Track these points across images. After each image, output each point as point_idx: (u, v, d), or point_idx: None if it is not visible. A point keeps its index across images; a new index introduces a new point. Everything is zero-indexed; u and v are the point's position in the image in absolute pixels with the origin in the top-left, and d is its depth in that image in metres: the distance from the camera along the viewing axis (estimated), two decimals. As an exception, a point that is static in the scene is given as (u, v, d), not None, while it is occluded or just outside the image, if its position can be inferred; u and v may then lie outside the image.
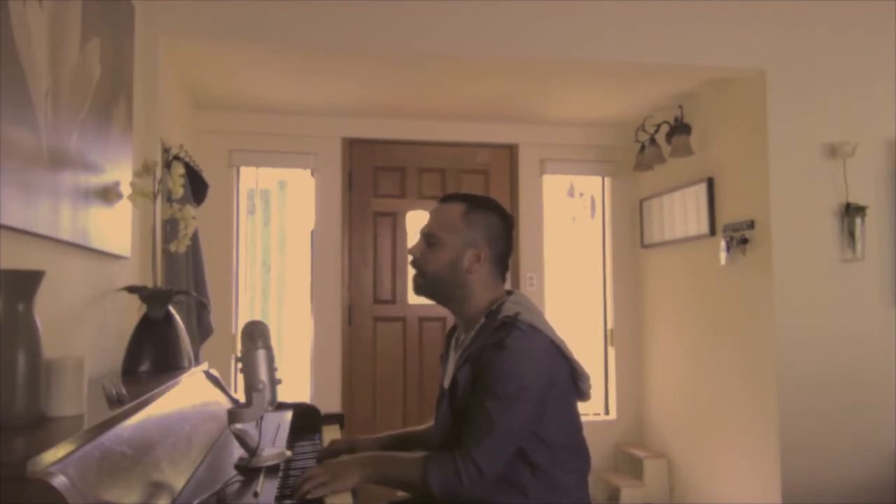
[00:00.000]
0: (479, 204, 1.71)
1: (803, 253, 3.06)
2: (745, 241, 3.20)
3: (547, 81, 3.49)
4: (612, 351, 4.31)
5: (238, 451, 1.52)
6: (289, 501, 1.39)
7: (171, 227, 2.40)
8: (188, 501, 1.24)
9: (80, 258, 1.86)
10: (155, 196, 2.17)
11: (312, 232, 4.04)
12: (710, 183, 3.49)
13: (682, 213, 3.72)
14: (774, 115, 3.08)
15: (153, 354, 1.98)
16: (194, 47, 2.87)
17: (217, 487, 1.31)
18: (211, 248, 3.34)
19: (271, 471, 1.47)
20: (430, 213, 1.73)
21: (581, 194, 4.56)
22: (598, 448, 3.88)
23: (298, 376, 4.06)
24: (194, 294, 2.70)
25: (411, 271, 1.72)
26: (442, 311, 1.78)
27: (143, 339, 2.00)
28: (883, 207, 3.13)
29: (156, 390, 1.53)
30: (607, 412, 4.31)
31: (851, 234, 3.06)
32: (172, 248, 2.31)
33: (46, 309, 1.28)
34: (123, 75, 2.23)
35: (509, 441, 1.51)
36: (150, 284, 2.17)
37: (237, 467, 1.45)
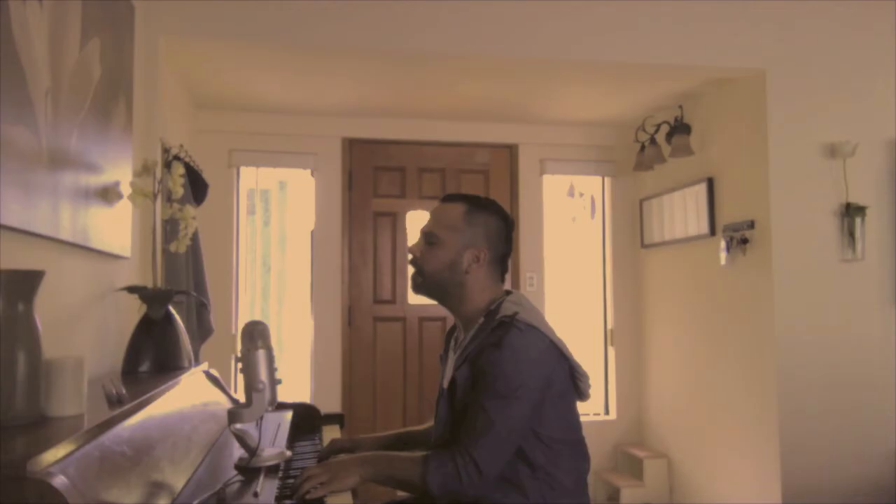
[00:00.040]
0: (479, 204, 1.72)
1: (803, 253, 3.06)
2: (745, 241, 3.20)
3: (547, 81, 3.49)
4: (612, 351, 4.31)
5: (238, 451, 1.52)
6: (289, 501, 1.39)
7: (171, 227, 2.40)
8: (188, 501, 1.24)
9: (80, 258, 1.86)
10: (155, 196, 2.17)
11: (312, 232, 4.04)
12: (710, 183, 3.49)
13: (682, 213, 3.72)
14: (774, 115, 3.08)
15: (153, 354, 1.98)
16: (194, 47, 2.87)
17: (217, 487, 1.31)
18: (211, 248, 3.35)
19: (271, 471, 1.47)
20: (431, 213, 1.74)
21: (581, 194, 4.56)
22: (598, 448, 3.90)
23: (298, 376, 4.06)
24: (194, 294, 2.70)
25: (411, 270, 1.73)
26: (442, 311, 1.79)
27: (143, 339, 2.00)
28: (883, 207, 3.13)
29: (156, 390, 1.53)
30: (607, 412, 4.31)
31: (851, 234, 3.06)
32: (172, 248, 2.31)
33: (46, 309, 1.28)
34: (123, 75, 2.23)
35: (508, 440, 1.51)
36: (150, 284, 2.17)
37: (237, 467, 1.45)
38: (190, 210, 2.27)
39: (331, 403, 3.79)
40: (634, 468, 4.03)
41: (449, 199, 1.75)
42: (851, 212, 3.06)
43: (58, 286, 1.67)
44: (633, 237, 4.30)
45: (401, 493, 1.71)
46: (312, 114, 3.95)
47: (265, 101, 3.73)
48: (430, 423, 1.83)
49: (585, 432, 1.68)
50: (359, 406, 3.96)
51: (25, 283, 1.15)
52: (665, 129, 3.77)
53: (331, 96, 3.69)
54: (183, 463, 1.39)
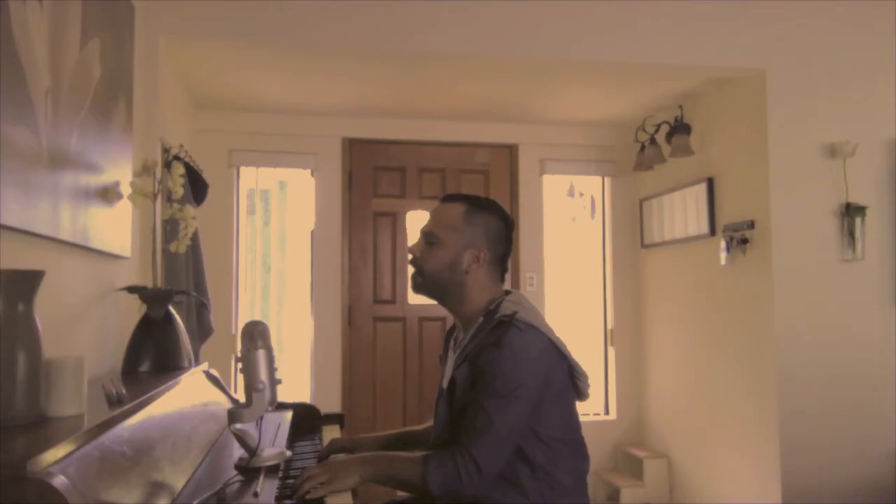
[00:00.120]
0: (479, 204, 1.72)
1: (803, 253, 3.06)
2: (745, 241, 3.20)
3: (547, 81, 3.49)
4: (612, 351, 4.31)
5: (238, 451, 1.52)
6: (289, 501, 1.39)
7: (171, 227, 2.40)
8: (188, 501, 1.24)
9: (80, 258, 1.86)
10: (155, 196, 2.17)
11: (312, 232, 4.04)
12: (710, 183, 3.49)
13: (682, 213, 3.72)
14: (774, 115, 3.08)
15: (153, 354, 1.98)
16: (194, 47, 2.87)
17: (217, 487, 1.31)
18: (211, 248, 3.35)
19: (271, 471, 1.47)
20: (431, 213, 1.74)
21: (581, 194, 4.56)
22: (598, 448, 3.90)
23: (298, 376, 4.06)
24: (194, 294, 2.70)
25: (411, 270, 1.73)
26: (442, 311, 1.79)
27: (143, 339, 2.00)
28: (883, 207, 3.13)
29: (156, 390, 1.53)
30: (607, 412, 4.31)
31: (851, 234, 3.06)
32: (172, 248, 2.31)
33: (46, 309, 1.28)
34: (123, 75, 2.23)
35: (508, 439, 1.51)
36: (150, 284, 2.17)
37: (237, 467, 1.45)
38: (190, 210, 2.27)
39: (331, 403, 3.79)
40: (634, 468, 4.03)
41: (449, 199, 1.75)
42: (851, 212, 3.06)
43: (58, 286, 1.67)
44: (633, 237, 4.30)
45: (401, 493, 1.71)
46: (312, 114, 3.95)
47: (265, 101, 3.73)
48: (429, 423, 1.83)
49: (585, 432, 1.68)
50: (359, 406, 3.96)
51: (25, 283, 1.15)
52: (665, 129, 3.77)
53: (331, 96, 3.69)
54: (183, 463, 1.39)
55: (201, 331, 2.85)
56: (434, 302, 1.75)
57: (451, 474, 1.47)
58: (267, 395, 1.47)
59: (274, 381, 1.49)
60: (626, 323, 4.30)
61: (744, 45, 3.09)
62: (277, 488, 1.42)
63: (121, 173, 2.17)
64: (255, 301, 4.20)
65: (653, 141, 3.86)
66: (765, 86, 3.09)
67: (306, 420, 2.18)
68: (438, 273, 1.67)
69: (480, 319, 1.65)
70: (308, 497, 1.41)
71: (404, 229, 4.12)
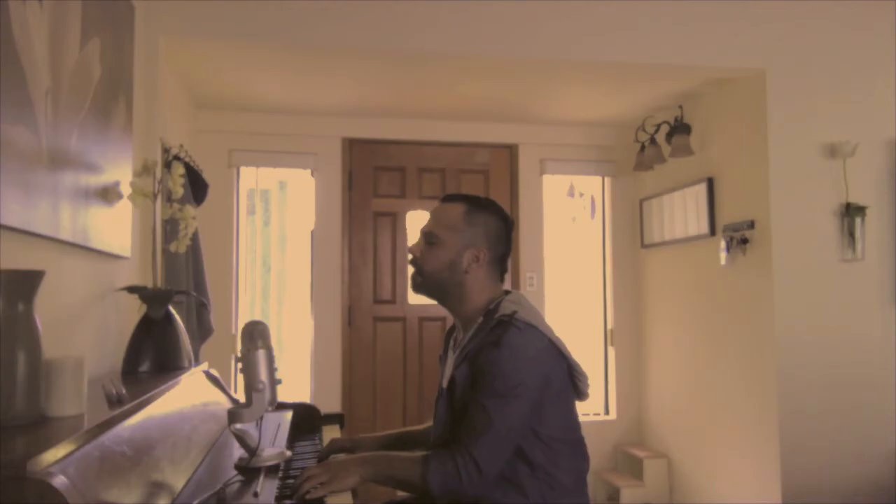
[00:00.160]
0: (479, 205, 1.72)
1: (803, 253, 3.06)
2: (745, 241, 3.20)
3: (547, 81, 3.49)
4: (612, 351, 4.31)
5: (238, 451, 1.52)
6: (289, 501, 1.39)
7: (171, 227, 2.40)
8: (188, 501, 1.24)
9: (80, 258, 1.86)
10: (155, 196, 2.17)
11: (312, 232, 4.04)
12: (710, 183, 3.49)
13: (682, 213, 3.72)
14: (774, 115, 3.08)
15: (153, 354, 1.98)
16: (194, 47, 2.87)
17: (217, 487, 1.31)
18: (211, 248, 3.35)
19: (271, 471, 1.47)
20: (431, 213, 1.74)
21: (581, 194, 4.56)
22: (598, 448, 3.90)
23: (298, 376, 4.06)
24: (194, 294, 2.70)
25: (411, 270, 1.73)
26: (442, 311, 1.79)
27: (143, 339, 2.00)
28: (883, 207, 3.13)
29: (156, 390, 1.53)
30: (607, 412, 4.31)
31: (851, 234, 3.06)
32: (172, 248, 2.31)
33: (46, 309, 1.28)
34: (123, 75, 2.23)
35: (507, 438, 1.52)
36: (150, 284, 2.17)
37: (237, 467, 1.45)
38: (190, 210, 2.27)
39: (331, 403, 3.79)
40: (634, 468, 4.03)
41: (449, 199, 1.75)
42: (851, 212, 3.06)
43: (58, 286, 1.67)
44: (633, 237, 4.30)
45: (401, 493, 1.71)
46: (312, 114, 3.95)
47: (265, 101, 3.73)
48: (429, 423, 1.83)
49: (585, 432, 1.68)
50: (359, 406, 3.96)
51: (25, 283, 1.15)
52: (665, 129, 3.77)
53: (331, 96, 3.69)
54: (183, 463, 1.39)
55: (201, 331, 2.85)
56: (434, 302, 1.75)
57: (452, 474, 1.47)
58: (267, 395, 1.47)
59: (274, 381, 1.49)
60: (626, 323, 4.30)
61: (744, 45, 3.09)
62: (277, 488, 1.42)
63: (121, 173, 2.17)
64: (255, 301, 4.20)
65: (653, 141, 3.86)
66: (765, 86, 3.09)
67: (306, 420, 2.18)
68: (438, 273, 1.67)
69: (480, 319, 1.65)
70: (308, 497, 1.41)
71: (404, 229, 4.12)
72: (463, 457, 1.48)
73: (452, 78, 3.39)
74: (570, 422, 1.64)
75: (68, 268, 1.78)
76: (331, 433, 2.11)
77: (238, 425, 1.46)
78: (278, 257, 4.62)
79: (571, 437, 1.63)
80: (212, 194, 3.14)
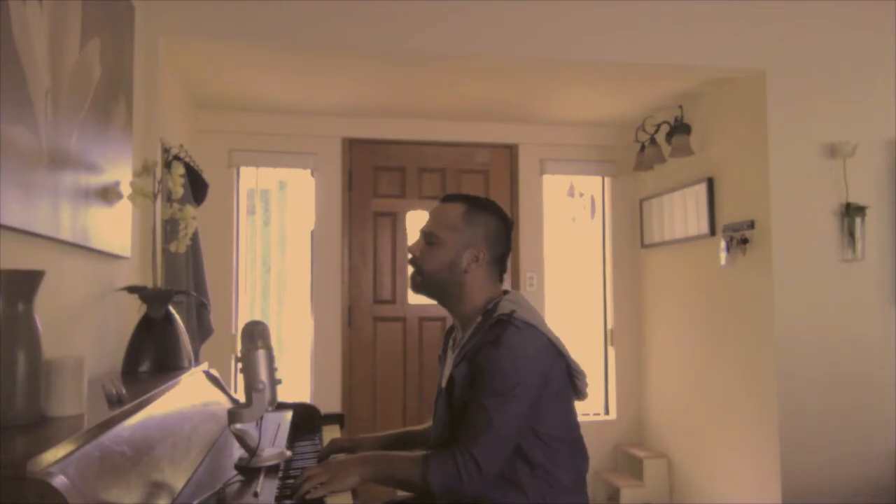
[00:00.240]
0: (479, 205, 1.72)
1: (803, 253, 3.06)
2: (745, 241, 3.20)
3: (547, 81, 3.49)
4: (612, 351, 4.31)
5: (238, 451, 1.52)
6: (289, 501, 1.39)
7: (171, 227, 2.40)
8: (188, 501, 1.24)
9: (80, 258, 1.86)
10: (155, 196, 2.17)
11: (312, 232, 4.04)
12: (710, 183, 3.49)
13: (682, 213, 3.72)
14: (774, 115, 3.08)
15: (153, 354, 1.98)
16: (194, 47, 2.87)
17: (217, 487, 1.31)
18: (211, 248, 3.35)
19: (271, 471, 1.47)
20: (431, 213, 1.74)
21: (581, 194, 4.56)
22: (598, 448, 3.90)
23: (298, 376, 4.06)
24: (194, 294, 2.70)
25: (410, 270, 1.73)
26: (442, 311, 1.79)
27: (143, 339, 2.00)
28: (883, 207, 3.13)
29: (156, 390, 1.53)
30: (607, 412, 4.31)
31: (851, 234, 3.06)
32: (172, 248, 2.31)
33: (46, 309, 1.28)
34: (123, 75, 2.23)
35: (507, 437, 1.52)
36: (150, 284, 2.17)
37: (237, 467, 1.45)
38: (190, 210, 2.27)
39: (331, 403, 3.79)
40: (634, 468, 4.03)
41: (448, 199, 1.76)
42: (851, 212, 3.06)
43: (58, 286, 1.67)
44: (633, 237, 4.30)
45: (401, 493, 1.71)
46: (312, 114, 3.95)
47: (265, 101, 3.73)
48: (429, 423, 1.83)
49: (585, 432, 1.68)
50: (359, 406, 3.96)
51: (25, 283, 1.15)
52: (665, 129, 3.77)
53: (331, 96, 3.69)
54: (183, 463, 1.39)
55: (201, 331, 2.85)
56: (434, 302, 1.75)
57: (452, 473, 1.47)
58: (267, 395, 1.47)
59: (274, 381, 1.49)
60: (626, 323, 4.30)
61: (744, 45, 3.09)
62: (277, 488, 1.42)
63: (121, 173, 2.17)
64: (255, 301, 4.21)
65: (653, 141, 3.86)
66: (765, 86, 3.09)
67: (306, 420, 2.18)
68: (438, 273, 1.68)
69: (479, 318, 1.65)
70: (308, 497, 1.41)
71: (404, 229, 4.12)
72: (463, 456, 1.48)
73: (452, 78, 3.39)
74: (569, 421, 1.64)
75: (68, 268, 1.78)
76: (331, 433, 2.11)
77: (238, 425, 1.46)
78: (278, 257, 4.62)
79: (571, 436, 1.64)
80: (212, 194, 3.14)
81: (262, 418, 1.50)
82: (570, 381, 1.64)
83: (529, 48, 2.95)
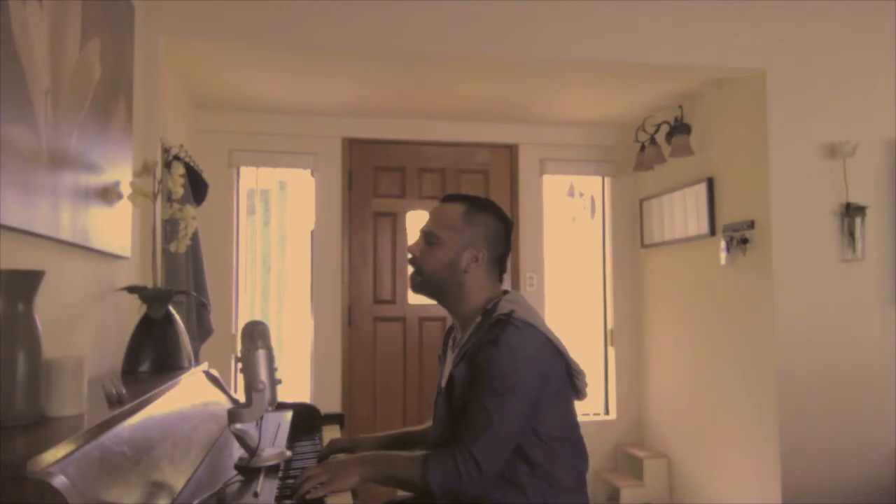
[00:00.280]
0: (479, 205, 1.73)
1: (803, 253, 3.06)
2: (745, 241, 3.20)
3: (547, 81, 3.49)
4: (612, 351, 4.31)
5: (238, 451, 1.52)
6: (289, 501, 1.39)
7: (171, 227, 2.40)
8: (188, 501, 1.24)
9: (80, 258, 1.86)
10: (155, 196, 2.17)
11: (312, 232, 4.04)
12: (710, 183, 3.49)
13: (682, 213, 3.72)
14: (774, 115, 3.08)
15: (153, 354, 1.98)
16: (194, 47, 2.87)
17: (217, 487, 1.31)
18: (211, 248, 3.35)
19: (271, 471, 1.47)
20: (430, 213, 1.75)
21: (581, 194, 4.56)
22: (598, 448, 3.90)
23: (298, 376, 4.06)
24: (194, 294, 2.70)
25: (410, 270, 1.73)
26: (442, 311, 1.79)
27: (143, 339, 2.00)
28: (883, 207, 3.13)
29: (156, 390, 1.53)
30: (607, 412, 4.31)
31: (851, 234, 3.06)
32: (172, 248, 2.31)
33: (46, 309, 1.28)
34: (123, 75, 2.23)
35: (507, 437, 1.52)
36: (150, 284, 2.17)
37: (237, 467, 1.45)
38: (190, 210, 2.27)
39: (331, 403, 3.79)
40: (634, 468, 4.03)
41: (448, 199, 1.76)
42: (851, 212, 3.06)
43: (58, 286, 1.67)
44: (633, 237, 4.30)
45: (401, 493, 1.71)
46: (312, 114, 3.95)
47: (265, 101, 3.73)
48: (429, 423, 1.83)
49: (585, 432, 1.68)
50: (359, 406, 3.96)
51: (25, 283, 1.15)
52: (665, 129, 3.77)
53: (331, 96, 3.69)
54: (183, 463, 1.39)
55: (201, 331, 2.85)
56: (434, 302, 1.75)
57: (452, 473, 1.47)
58: (267, 395, 1.47)
59: (274, 381, 1.49)
60: (626, 323, 4.30)
61: (744, 45, 3.09)
62: (277, 488, 1.42)
63: (121, 173, 2.17)
64: (255, 301, 4.21)
65: (653, 141, 3.86)
66: (765, 86, 3.09)
67: (306, 420, 2.18)
68: (437, 273, 1.68)
69: (478, 318, 1.65)
70: (308, 497, 1.41)
71: (404, 229, 4.12)
72: (463, 455, 1.48)
73: (452, 78, 3.39)
74: (568, 421, 1.64)
75: (68, 268, 1.78)
76: (331, 433, 2.11)
77: (238, 425, 1.46)
78: (278, 257, 4.62)
79: (570, 435, 1.64)
80: (212, 194, 3.14)
81: (262, 418, 1.50)
82: (569, 380, 1.64)
83: (529, 48, 2.95)
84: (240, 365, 1.49)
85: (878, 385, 3.08)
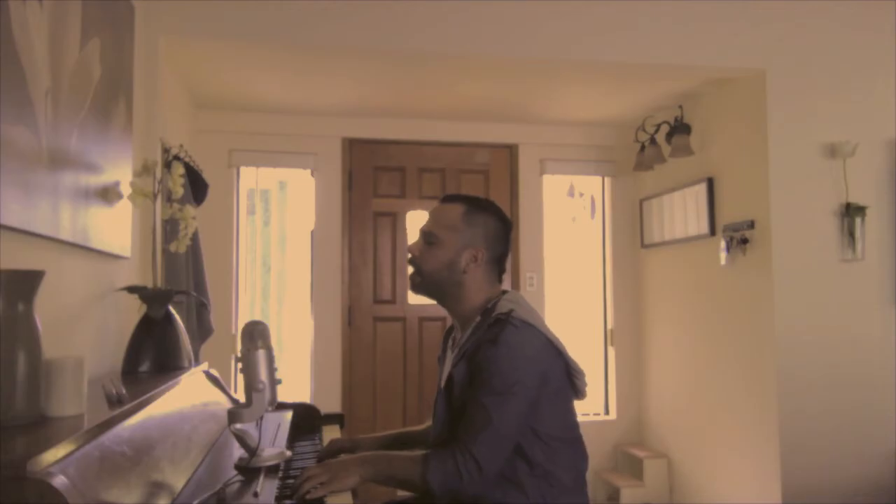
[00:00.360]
0: (478, 205, 1.73)
1: (803, 253, 3.06)
2: (745, 241, 3.20)
3: (547, 81, 3.49)
4: (612, 351, 4.31)
5: (238, 451, 1.52)
6: (289, 501, 1.39)
7: (171, 227, 2.40)
8: (188, 501, 1.24)
9: (80, 258, 1.86)
10: (155, 196, 2.17)
11: (312, 232, 4.04)
12: (710, 183, 3.49)
13: (682, 213, 3.72)
14: (774, 115, 3.08)
15: (153, 354, 1.98)
16: (194, 47, 2.87)
17: (217, 487, 1.31)
18: (211, 248, 3.35)
19: (271, 471, 1.47)
20: (430, 213, 1.75)
21: (581, 194, 4.56)
22: (598, 448, 3.90)
23: (298, 376, 4.06)
24: (194, 294, 2.70)
25: (410, 270, 1.73)
26: (442, 311, 1.79)
27: (143, 339, 2.00)
28: (883, 207, 3.13)
29: (156, 390, 1.53)
30: (607, 412, 4.31)
31: (851, 234, 3.06)
32: (172, 248, 2.31)
33: (46, 309, 1.28)
34: (123, 75, 2.23)
35: (507, 436, 1.52)
36: (150, 284, 2.17)
37: (237, 467, 1.45)
38: (190, 210, 2.27)
39: (331, 403, 3.79)
40: (634, 468, 4.03)
41: (448, 199, 1.76)
42: (851, 212, 3.06)
43: (58, 286, 1.67)
44: (633, 237, 4.30)
45: (401, 493, 1.71)
46: (312, 114, 3.95)
47: (265, 101, 3.73)
48: (429, 423, 1.83)
49: (585, 432, 1.68)
50: (359, 406, 3.96)
51: (25, 283, 1.15)
52: (665, 129, 3.77)
53: (331, 96, 3.69)
54: (183, 463, 1.39)
55: (201, 331, 2.85)
56: (434, 302, 1.75)
57: (452, 472, 1.47)
58: (267, 395, 1.47)
59: (274, 381, 1.49)
60: (626, 323, 4.30)
61: (744, 45, 3.09)
62: (277, 488, 1.42)
63: (121, 173, 2.17)
64: (255, 301, 4.20)
65: (653, 141, 3.86)
66: (765, 86, 3.09)
67: (306, 420, 2.18)
68: (437, 273, 1.68)
69: (478, 318, 1.65)
70: (308, 497, 1.41)
71: (404, 229, 4.12)
72: (463, 455, 1.48)
73: (452, 78, 3.39)
74: (568, 420, 1.64)
75: (68, 268, 1.78)
76: (331, 433, 2.11)
77: (238, 425, 1.46)
78: (278, 257, 4.62)
79: (570, 435, 1.64)
80: (212, 194, 3.14)
81: (262, 418, 1.50)
82: (568, 380, 1.64)
83: (529, 48, 2.95)
84: (240, 365, 1.49)
85: (878, 385, 3.08)
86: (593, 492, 3.98)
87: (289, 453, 1.60)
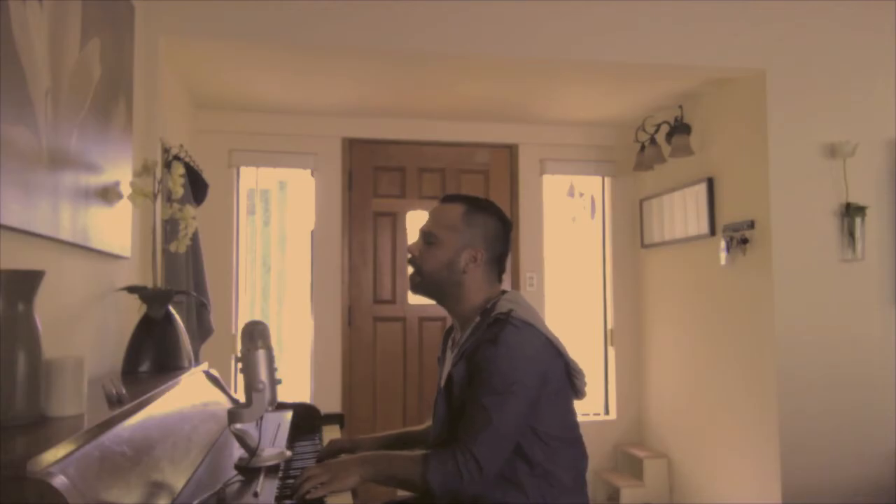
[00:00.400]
0: (478, 205, 1.73)
1: (803, 253, 3.06)
2: (745, 241, 3.20)
3: (547, 81, 3.49)
4: (612, 351, 4.31)
5: (238, 451, 1.52)
6: (289, 501, 1.39)
7: (171, 227, 2.40)
8: (188, 501, 1.24)
9: (80, 258, 1.86)
10: (155, 196, 2.17)
11: (312, 232, 4.04)
12: (710, 183, 3.49)
13: (682, 213, 3.72)
14: (774, 115, 3.08)
15: (153, 354, 1.98)
16: (194, 47, 2.87)
17: (217, 487, 1.31)
18: (211, 248, 3.35)
19: (271, 471, 1.47)
20: (430, 213, 1.75)
21: (581, 194, 4.56)
22: (598, 448, 3.90)
23: (298, 376, 4.06)
24: (194, 294, 2.70)
25: (409, 270, 1.73)
26: (442, 311, 1.79)
27: (143, 339, 2.00)
28: (883, 207, 3.13)
29: (156, 390, 1.53)
30: (607, 412, 4.31)
31: (851, 234, 3.06)
32: (172, 248, 2.31)
33: (46, 309, 1.28)
34: (123, 75, 2.23)
35: (506, 436, 1.52)
36: (150, 284, 2.17)
37: (237, 467, 1.45)
38: (190, 210, 2.27)
39: (331, 403, 3.79)
40: (634, 468, 4.03)
41: (448, 199, 1.76)
42: (851, 212, 3.06)
43: (58, 286, 1.67)
44: (633, 237, 4.30)
45: (401, 493, 1.71)
46: (312, 114, 3.95)
47: (265, 101, 3.73)
48: (429, 423, 1.83)
49: (585, 432, 1.68)
50: (359, 406, 3.96)
51: (25, 283, 1.15)
52: (665, 129, 3.77)
53: (331, 96, 3.69)
54: (183, 463, 1.39)
55: (201, 331, 2.85)
56: (434, 302, 1.75)
57: (452, 472, 1.47)
58: (267, 395, 1.47)
59: (274, 381, 1.49)
60: (626, 323, 4.30)
61: (744, 45, 3.09)
62: (277, 488, 1.42)
63: (121, 173, 2.17)
64: (255, 301, 4.20)
65: (653, 141, 3.86)
66: (765, 86, 3.09)
67: (306, 420, 2.18)
68: (436, 273, 1.68)
69: (477, 318, 1.65)
70: (308, 497, 1.41)
71: (404, 229, 4.12)
72: (463, 455, 1.48)
73: (452, 78, 3.39)
74: (568, 420, 1.64)
75: (68, 268, 1.78)
76: (331, 433, 2.11)
77: (238, 425, 1.46)
78: (278, 257, 4.62)
79: (570, 435, 1.64)
80: (212, 194, 3.14)
81: (262, 418, 1.50)
82: (568, 380, 1.64)
83: (529, 48, 2.95)
84: (240, 365, 1.49)
85: (878, 385, 3.08)
86: (593, 492, 3.98)
87: (289, 453, 1.60)
